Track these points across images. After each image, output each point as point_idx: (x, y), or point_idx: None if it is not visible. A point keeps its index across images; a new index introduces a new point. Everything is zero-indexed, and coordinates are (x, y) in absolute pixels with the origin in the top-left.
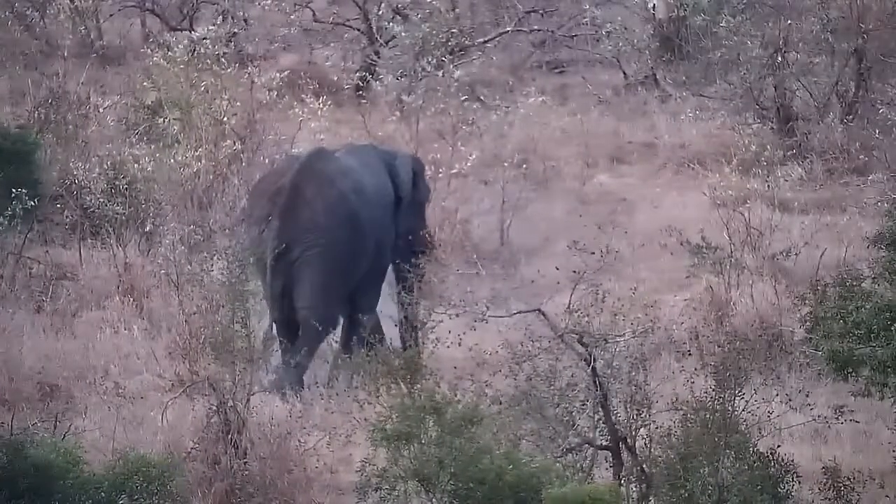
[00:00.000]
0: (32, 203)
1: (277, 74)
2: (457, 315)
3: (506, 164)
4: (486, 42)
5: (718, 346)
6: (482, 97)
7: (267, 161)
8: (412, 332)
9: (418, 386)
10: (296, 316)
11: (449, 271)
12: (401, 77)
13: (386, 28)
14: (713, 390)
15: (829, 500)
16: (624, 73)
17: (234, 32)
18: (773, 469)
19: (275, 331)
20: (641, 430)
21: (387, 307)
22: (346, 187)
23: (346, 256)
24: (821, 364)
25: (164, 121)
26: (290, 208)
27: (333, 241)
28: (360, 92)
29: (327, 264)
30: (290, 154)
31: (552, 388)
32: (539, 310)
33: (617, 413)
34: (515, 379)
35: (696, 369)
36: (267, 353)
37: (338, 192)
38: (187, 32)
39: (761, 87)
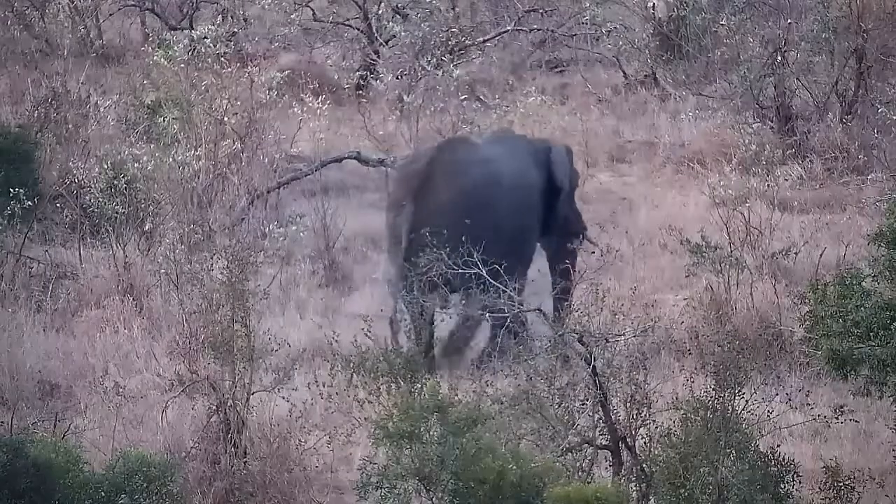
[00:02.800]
0: (32, 202)
1: (277, 73)
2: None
3: None
4: (485, 41)
5: (718, 346)
6: (482, 96)
7: (266, 161)
8: (565, 308)
9: (418, 385)
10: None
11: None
12: (400, 76)
13: (386, 27)
14: (713, 390)
15: (829, 499)
16: (624, 73)
17: (234, 31)
18: (773, 468)
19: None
20: (641, 429)
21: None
22: (477, 174)
23: (473, 241)
24: (820, 363)
25: (163, 120)
26: (421, 193)
27: (461, 226)
28: (360, 91)
29: (454, 249)
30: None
31: (552, 387)
32: (539, 309)
33: (617, 412)
34: (516, 378)
35: (695, 368)
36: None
37: (469, 180)
38: (187, 31)
39: (761, 86)
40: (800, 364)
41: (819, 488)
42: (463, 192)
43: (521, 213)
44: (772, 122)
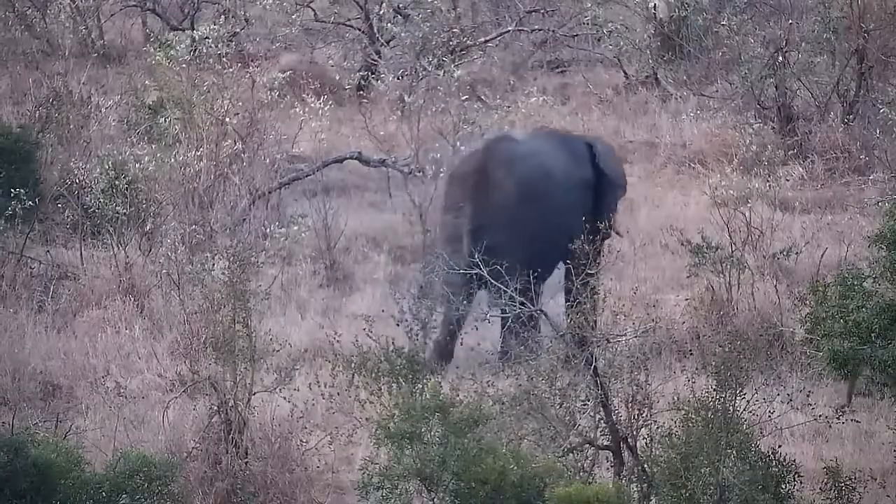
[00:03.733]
0: (33, 202)
1: (279, 74)
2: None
3: None
4: (486, 42)
5: (719, 346)
6: (483, 97)
7: (268, 161)
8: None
9: (420, 386)
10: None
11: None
12: (402, 77)
13: (387, 28)
14: (714, 390)
15: (831, 499)
16: (625, 73)
17: (236, 32)
18: (774, 469)
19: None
20: (643, 429)
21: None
22: (525, 170)
23: (530, 236)
24: (822, 364)
25: (165, 120)
26: (480, 192)
27: (519, 221)
28: (362, 91)
29: (514, 245)
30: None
31: (553, 387)
32: (540, 310)
33: (618, 413)
34: (517, 378)
35: (697, 369)
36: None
37: (519, 175)
38: (188, 32)
39: (762, 86)
40: (801, 364)
41: (820, 489)
42: (523, 188)
43: (574, 210)
44: (773, 122)
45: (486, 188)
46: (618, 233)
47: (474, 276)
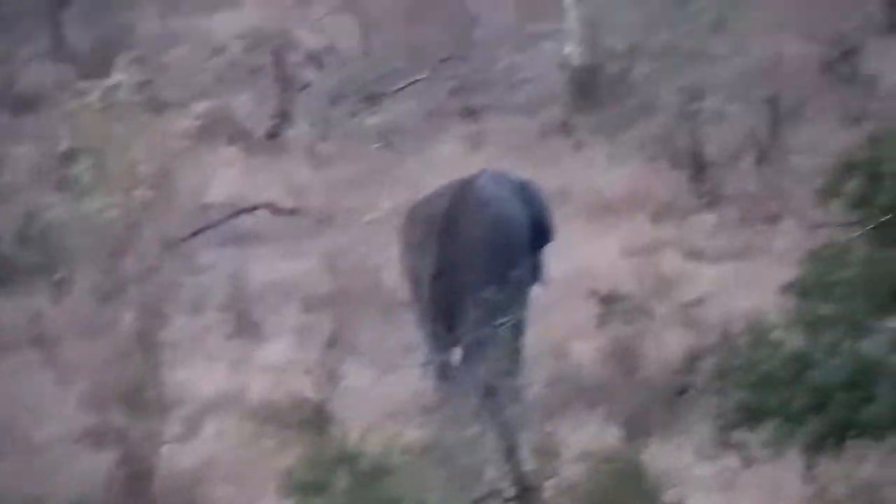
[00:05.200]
0: None
1: (191, 121)
2: (368, 364)
3: None
4: (400, 89)
5: (628, 396)
6: (396, 144)
7: (179, 210)
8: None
9: (328, 436)
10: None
11: (361, 320)
12: (315, 124)
13: (300, 75)
14: (622, 440)
15: None
16: (538, 120)
17: (149, 79)
18: None
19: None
20: (550, 480)
21: None
22: (497, 212)
23: (496, 280)
24: (730, 414)
25: (76, 169)
26: (447, 233)
27: (487, 267)
28: (274, 139)
29: (481, 288)
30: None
31: (462, 437)
32: (444, 358)
33: (527, 462)
34: (426, 429)
35: (605, 419)
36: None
37: (491, 218)
38: (102, 79)
39: (676, 134)
40: (709, 415)
41: None
42: (488, 231)
43: (521, 252)
44: (686, 170)
45: (453, 230)
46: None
47: (440, 319)
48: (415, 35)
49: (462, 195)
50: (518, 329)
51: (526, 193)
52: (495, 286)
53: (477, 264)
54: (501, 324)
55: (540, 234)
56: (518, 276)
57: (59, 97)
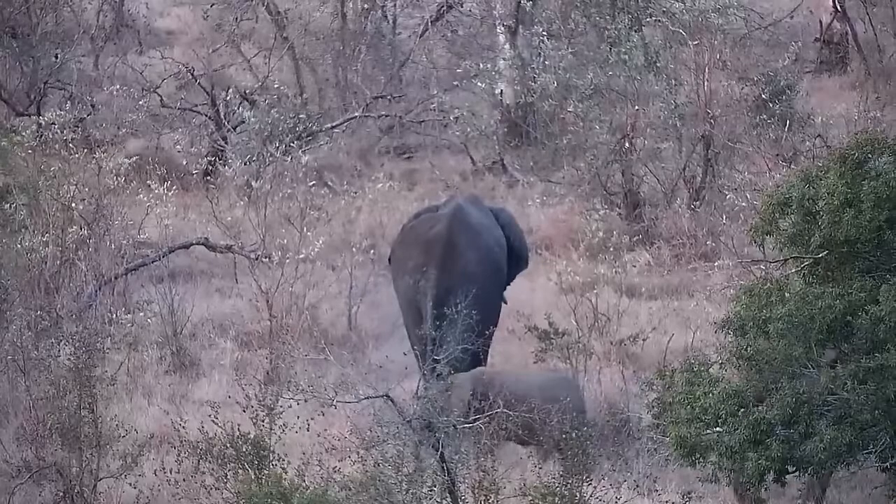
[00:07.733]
0: None
1: (125, 160)
2: (305, 400)
3: (354, 249)
4: (333, 127)
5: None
6: (330, 182)
7: (114, 247)
8: None
9: (265, 472)
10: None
11: (297, 356)
12: (249, 162)
13: (234, 113)
14: (561, 476)
15: None
16: (472, 159)
17: (82, 118)
18: None
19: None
20: None
21: None
22: (487, 243)
23: (493, 305)
24: (669, 449)
25: (10, 206)
26: (448, 260)
27: (485, 290)
28: (208, 177)
29: (480, 313)
30: (431, 208)
31: (400, 473)
32: (387, 395)
33: (465, 499)
34: (364, 464)
35: (544, 455)
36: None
37: (485, 248)
38: (35, 117)
39: (609, 172)
40: (648, 450)
41: None
42: (482, 262)
43: (504, 276)
44: (619, 208)
45: (453, 254)
46: (505, 302)
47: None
48: (347, 74)
49: (458, 223)
50: (475, 361)
51: (501, 220)
52: (482, 314)
53: (470, 291)
54: (471, 351)
55: (516, 262)
56: (500, 305)
57: None
